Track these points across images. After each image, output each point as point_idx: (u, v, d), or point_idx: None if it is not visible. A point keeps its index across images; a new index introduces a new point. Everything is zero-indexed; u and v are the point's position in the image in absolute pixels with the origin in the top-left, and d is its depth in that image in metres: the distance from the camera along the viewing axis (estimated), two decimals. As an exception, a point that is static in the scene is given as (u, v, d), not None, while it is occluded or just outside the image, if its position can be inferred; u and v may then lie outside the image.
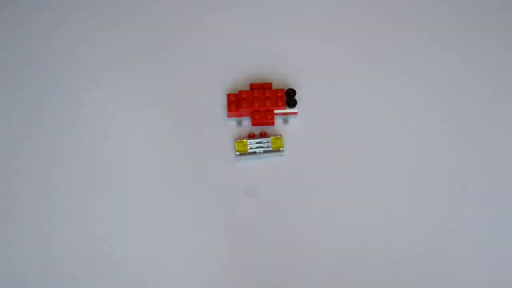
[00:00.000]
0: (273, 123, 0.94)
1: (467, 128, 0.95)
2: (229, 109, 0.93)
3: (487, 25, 0.99)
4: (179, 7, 1.00)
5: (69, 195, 0.91)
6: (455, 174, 0.93)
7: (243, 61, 0.97)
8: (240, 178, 0.92)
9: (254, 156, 0.92)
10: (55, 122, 0.94)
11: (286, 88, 0.96)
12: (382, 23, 1.00)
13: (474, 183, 0.92)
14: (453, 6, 1.01)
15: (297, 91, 0.95)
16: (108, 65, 0.97)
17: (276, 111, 0.94)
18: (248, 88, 0.96)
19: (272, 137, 0.93)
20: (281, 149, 0.93)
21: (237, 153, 0.92)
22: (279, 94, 0.94)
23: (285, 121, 0.94)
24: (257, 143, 0.93)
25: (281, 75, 0.97)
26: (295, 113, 0.94)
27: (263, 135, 0.93)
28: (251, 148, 0.93)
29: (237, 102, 0.94)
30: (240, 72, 0.97)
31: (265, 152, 0.93)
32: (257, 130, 0.95)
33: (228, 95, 0.94)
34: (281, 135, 0.93)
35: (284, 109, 0.94)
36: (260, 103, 0.93)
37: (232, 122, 0.95)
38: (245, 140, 0.93)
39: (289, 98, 0.94)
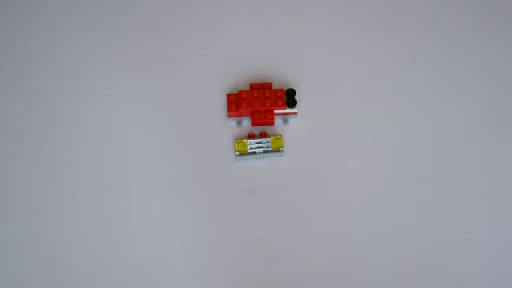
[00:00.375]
0: (273, 123, 0.94)
1: (468, 128, 0.95)
2: (229, 109, 0.93)
3: (490, 24, 0.99)
4: (179, 7, 1.00)
5: (69, 195, 0.91)
6: (456, 174, 0.92)
7: (243, 61, 0.97)
8: (240, 178, 0.92)
9: (254, 156, 0.92)
10: (54, 122, 0.94)
11: (286, 88, 0.96)
12: (383, 23, 0.99)
13: (474, 183, 0.92)
14: (455, 4, 1.00)
15: (297, 91, 0.95)
16: (108, 65, 0.97)
17: (276, 111, 0.94)
18: (248, 88, 0.96)
19: (272, 137, 0.93)
20: (281, 149, 0.93)
21: (237, 153, 0.92)
22: (279, 94, 0.94)
23: (285, 121, 0.94)
24: (257, 143, 0.93)
25: (281, 75, 0.97)
26: (295, 113, 0.94)
27: (263, 135, 0.93)
28: (251, 148, 0.93)
29: (237, 102, 0.94)
30: (240, 72, 0.97)
31: (265, 152, 0.93)
32: (257, 130, 0.95)
33: (228, 95, 0.94)
34: (281, 135, 0.93)
35: (284, 109, 0.94)
36: (260, 103, 0.93)
37: (232, 122, 0.95)
38: (245, 140, 0.93)
39: (289, 98, 0.94)
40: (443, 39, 0.99)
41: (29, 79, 0.96)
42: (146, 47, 0.98)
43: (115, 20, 0.99)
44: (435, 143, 0.94)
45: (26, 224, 0.90)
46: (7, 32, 0.99)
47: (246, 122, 0.95)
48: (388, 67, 0.97)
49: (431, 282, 0.88)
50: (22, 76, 0.97)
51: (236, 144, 0.92)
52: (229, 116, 0.94)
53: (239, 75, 0.97)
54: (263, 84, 0.94)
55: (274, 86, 0.96)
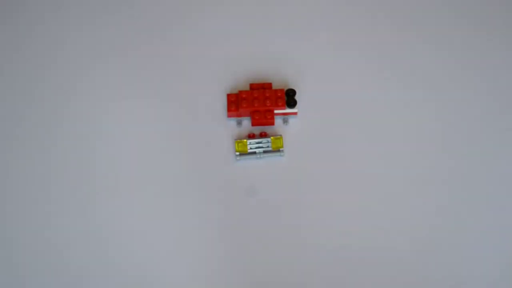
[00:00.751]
0: (273, 123, 0.94)
1: (468, 129, 0.95)
2: (229, 109, 0.93)
3: (488, 28, 0.99)
4: (179, 7, 1.00)
5: (69, 194, 0.91)
6: (456, 173, 0.92)
7: (243, 61, 0.97)
8: (240, 178, 0.92)
9: (254, 156, 0.92)
10: (55, 122, 0.94)
11: (286, 88, 0.96)
12: (383, 24, 0.99)
13: (474, 183, 0.92)
14: (454, 7, 1.00)
15: (297, 91, 0.95)
16: (108, 65, 0.97)
17: (276, 111, 0.94)
18: (248, 88, 0.96)
19: (272, 137, 0.93)
20: (281, 149, 0.93)
21: (237, 153, 0.92)
22: (279, 94, 0.94)
23: (285, 121, 0.94)
24: (257, 143, 0.93)
25: (281, 75, 0.97)
26: (295, 113, 0.94)
27: (263, 135, 0.93)
28: (251, 148, 0.93)
29: (237, 102, 0.94)
30: (240, 72, 0.97)
31: (265, 152, 0.93)
32: (257, 130, 0.95)
33: (228, 95, 0.94)
34: (281, 135, 0.93)
35: (284, 109, 0.94)
36: (260, 103, 0.93)
37: (232, 122, 0.95)
38: (245, 140, 0.93)
39: (289, 98, 0.94)
40: (443, 39, 0.99)
41: (29, 79, 0.96)
42: (146, 47, 0.98)
43: (115, 20, 0.99)
44: (436, 142, 0.94)
45: (26, 224, 0.90)
46: (7, 32, 0.99)
47: (246, 122, 0.95)
48: (388, 67, 0.97)
49: (431, 282, 0.88)
50: (23, 76, 0.97)
51: (236, 144, 0.92)
52: (229, 116, 0.94)
53: (239, 75, 0.97)
54: (263, 84, 0.94)
55: (274, 86, 0.96)
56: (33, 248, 0.89)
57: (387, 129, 0.94)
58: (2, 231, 0.90)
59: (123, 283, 0.88)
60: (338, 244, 0.89)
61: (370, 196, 0.91)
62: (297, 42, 0.98)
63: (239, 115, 0.94)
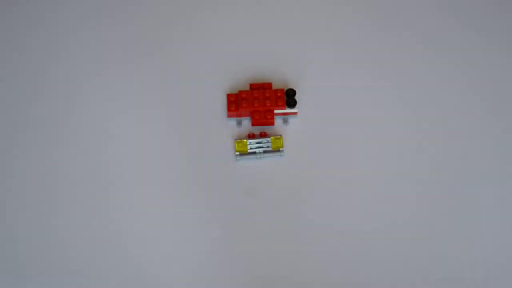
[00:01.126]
0: (273, 123, 0.94)
1: (468, 129, 0.95)
2: (229, 109, 0.93)
3: (485, 28, 0.99)
4: (179, 6, 1.00)
5: (69, 195, 0.91)
6: (457, 174, 0.92)
7: (243, 61, 0.97)
8: (240, 178, 0.92)
9: (254, 156, 0.92)
10: (54, 122, 0.94)
11: (286, 88, 0.96)
12: (383, 24, 0.99)
13: (475, 183, 0.92)
14: (454, 8, 1.00)
15: (297, 91, 0.95)
16: (108, 65, 0.97)
17: (276, 111, 0.94)
18: (248, 88, 0.96)
19: (272, 137, 0.93)
20: (281, 149, 0.93)
21: (237, 153, 0.92)
22: (279, 94, 0.94)
23: (285, 121, 0.94)
24: (257, 143, 0.93)
25: (281, 75, 0.97)
26: (295, 113, 0.94)
27: (263, 135, 0.93)
28: (251, 148, 0.93)
29: (237, 102, 0.94)
30: (240, 72, 0.97)
31: (265, 152, 0.93)
32: (257, 130, 0.95)
33: (228, 95, 0.94)
34: (281, 135, 0.93)
35: (284, 109, 0.94)
36: (260, 103, 0.93)
37: (232, 122, 0.95)
38: (245, 140, 0.93)
39: (289, 98, 0.94)
40: (443, 40, 0.99)
41: (30, 80, 0.96)
42: (146, 47, 0.98)
43: (115, 20, 0.99)
44: (436, 143, 0.94)
45: (26, 224, 0.90)
46: (7, 33, 0.99)
47: (246, 122, 0.95)
48: (388, 67, 0.97)
49: (431, 282, 0.88)
50: (25, 77, 0.97)
51: (236, 144, 0.92)
52: (229, 116, 0.94)
53: (239, 75, 0.97)
54: (263, 84, 0.94)
55: (274, 86, 0.96)
56: (32, 248, 0.89)
57: (387, 129, 0.94)
58: (4, 230, 0.90)
59: (123, 282, 0.88)
60: (338, 243, 0.89)
61: (370, 196, 0.91)
62: (297, 42, 0.98)
63: (239, 115, 0.94)
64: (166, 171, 0.92)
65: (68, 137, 0.93)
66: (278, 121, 0.95)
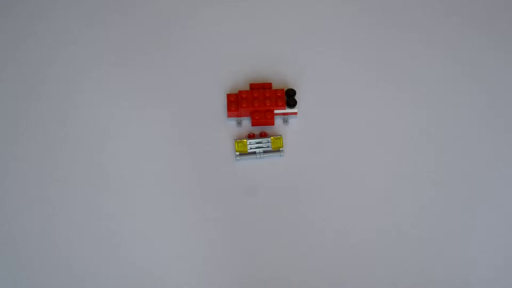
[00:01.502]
0: (273, 123, 0.94)
1: (468, 129, 0.95)
2: (229, 109, 0.93)
3: (487, 28, 0.99)
4: (179, 6, 1.00)
5: (70, 195, 0.91)
6: (457, 174, 0.93)
7: (243, 61, 0.97)
8: (240, 178, 0.92)
9: (254, 156, 0.92)
10: (54, 122, 0.94)
11: (286, 88, 0.96)
12: (383, 24, 0.99)
13: (474, 183, 0.92)
14: (453, 9, 1.00)
15: (297, 91, 0.95)
16: (107, 65, 0.97)
17: (276, 111, 0.94)
18: (248, 88, 0.96)
19: (272, 137, 0.93)
20: (281, 149, 0.93)
21: (237, 153, 0.92)
22: (279, 94, 0.94)
23: (285, 121, 0.94)
24: (257, 143, 0.93)
25: (281, 75, 0.97)
26: (295, 113, 0.94)
27: (263, 135, 0.93)
28: (251, 148, 0.93)
29: (237, 102, 0.94)
30: (240, 72, 0.97)
31: (265, 152, 0.93)
32: (257, 130, 0.95)
33: (228, 95, 0.94)
34: (281, 135, 0.93)
35: (284, 109, 0.94)
36: (260, 103, 0.93)
37: (232, 122, 0.95)
38: (245, 140, 0.93)
39: (289, 98, 0.94)
40: (443, 41, 0.99)
41: (29, 79, 0.96)
42: (146, 47, 0.98)
43: (115, 20, 0.99)
44: (436, 143, 0.94)
45: (26, 224, 0.90)
46: (7, 32, 0.99)
47: (246, 122, 0.95)
48: (389, 67, 0.97)
49: (431, 281, 0.88)
50: (25, 77, 0.97)
51: (236, 144, 0.92)
52: (229, 116, 0.94)
53: (239, 75, 0.97)
54: (263, 84, 0.94)
55: (274, 86, 0.96)
56: (32, 248, 0.89)
57: (387, 129, 0.94)
58: (5, 230, 0.90)
59: (123, 282, 0.88)
60: (338, 243, 0.89)
61: (370, 195, 0.91)
62: (297, 42, 0.98)
63: (239, 115, 0.94)
64: (166, 171, 0.92)
65: (68, 137, 0.93)
66: (278, 121, 0.95)
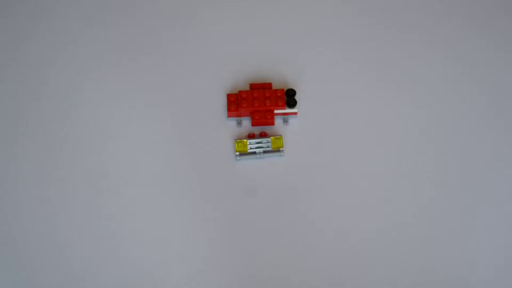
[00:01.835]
0: (273, 123, 0.94)
1: (468, 129, 0.95)
2: (229, 109, 0.93)
3: (487, 28, 0.99)
4: (179, 6, 1.00)
5: (70, 195, 0.91)
6: (457, 174, 0.93)
7: (243, 61, 0.97)
8: (240, 178, 0.92)
9: (254, 156, 0.92)
10: (54, 122, 0.94)
11: (286, 88, 0.96)
12: (383, 24, 0.99)
13: (474, 183, 0.92)
14: (453, 9, 1.00)
15: (297, 91, 0.95)
16: (107, 65, 0.97)
17: (276, 111, 0.94)
18: (248, 88, 0.96)
19: (272, 137, 0.93)
20: (281, 149, 0.93)
21: (237, 153, 0.92)
22: (279, 94, 0.94)
23: (285, 121, 0.94)
24: (257, 143, 0.93)
25: (281, 75, 0.97)
26: (295, 113, 0.94)
27: (263, 135, 0.93)
28: (251, 148, 0.93)
29: (237, 102, 0.94)
30: (240, 72, 0.97)
31: (265, 152, 0.93)
32: (257, 130, 0.95)
33: (228, 95, 0.94)
34: (281, 135, 0.93)
35: (284, 109, 0.94)
36: (260, 103, 0.93)
37: (232, 122, 0.95)
38: (245, 140, 0.93)
39: (289, 98, 0.94)
40: (442, 41, 0.99)
41: (29, 79, 0.96)
42: (146, 47, 0.98)
43: (115, 19, 0.99)
44: (435, 143, 0.94)
45: (26, 224, 0.90)
46: (7, 32, 0.99)
47: (246, 122, 0.95)
48: (388, 67, 0.97)
49: (431, 281, 0.88)
50: (22, 76, 0.97)
51: (236, 144, 0.92)
52: (229, 116, 0.94)
53: (239, 75, 0.97)
54: (263, 84, 0.94)
55: (274, 86, 0.96)
56: (32, 248, 0.89)
57: (386, 128, 0.94)
58: (5, 230, 0.90)
59: (123, 282, 0.88)
60: (338, 243, 0.89)
61: (370, 195, 0.91)
62: (297, 42, 0.98)
63: (239, 115, 0.94)
64: (166, 171, 0.92)
65: (68, 137, 0.93)
66: (278, 121, 0.95)
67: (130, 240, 0.89)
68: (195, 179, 0.92)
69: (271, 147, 0.93)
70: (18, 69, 0.97)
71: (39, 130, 0.94)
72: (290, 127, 0.95)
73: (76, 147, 0.93)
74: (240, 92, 0.94)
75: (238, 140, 0.93)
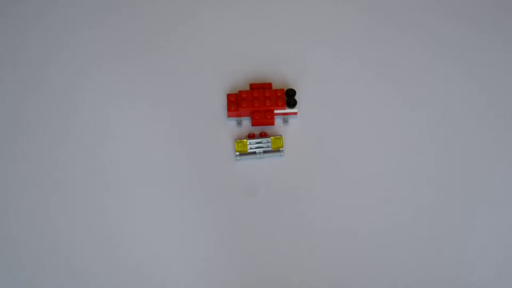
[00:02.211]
0: (272, 123, 0.94)
1: (467, 129, 0.95)
2: (229, 109, 0.93)
3: (487, 28, 1.00)
4: (179, 6, 1.00)
5: (70, 195, 0.91)
6: (457, 174, 0.93)
7: (243, 61, 0.97)
8: (240, 178, 0.92)
9: (254, 156, 0.92)
10: (54, 121, 0.94)
11: (286, 88, 0.96)
12: (382, 24, 0.99)
13: (475, 184, 0.92)
14: (453, 9, 1.00)
15: (297, 91, 0.95)
16: (108, 65, 0.97)
17: (276, 111, 0.94)
18: (248, 88, 0.96)
19: (272, 137, 0.93)
20: (281, 149, 0.93)
21: (237, 153, 0.92)
22: (279, 94, 0.94)
23: (285, 121, 0.94)
24: (257, 143, 0.93)
25: (281, 75, 0.97)
26: (295, 113, 0.94)
27: (263, 135, 0.93)
28: (251, 148, 0.93)
29: (237, 102, 0.94)
30: (240, 72, 0.97)
31: (265, 152, 0.93)
32: (257, 130, 0.95)
33: (228, 95, 0.94)
34: (281, 135, 0.93)
35: (284, 109, 0.94)
36: (260, 103, 0.93)
37: (232, 122, 0.95)
38: (245, 140, 0.93)
39: (289, 98, 0.94)
40: (442, 41, 0.99)
41: (29, 79, 0.96)
42: (146, 47, 0.98)
43: (115, 19, 0.99)
44: (435, 143, 0.94)
45: (26, 224, 0.90)
46: (7, 32, 0.99)
47: (246, 122, 0.95)
48: (388, 67, 0.97)
49: (431, 281, 0.88)
50: (22, 76, 0.97)
51: (236, 144, 0.92)
52: (229, 116, 0.94)
53: (239, 75, 0.97)
54: (263, 84, 0.94)
55: (274, 86, 0.96)
56: (32, 248, 0.89)
57: (386, 128, 0.94)
58: (5, 230, 0.90)
59: (123, 282, 0.88)
60: (338, 243, 0.89)
61: (370, 195, 0.91)
62: (297, 42, 0.98)
63: (239, 115, 0.94)
64: (166, 171, 0.92)
65: (68, 136, 0.93)
66: (278, 121, 0.95)
67: (130, 240, 0.89)
68: (195, 179, 0.92)
69: (271, 147, 0.93)
70: (18, 69, 0.97)
71: (39, 130, 0.94)
72: (290, 127, 0.95)
73: (76, 147, 0.93)
74: (240, 92, 0.94)
75: (238, 140, 0.93)
